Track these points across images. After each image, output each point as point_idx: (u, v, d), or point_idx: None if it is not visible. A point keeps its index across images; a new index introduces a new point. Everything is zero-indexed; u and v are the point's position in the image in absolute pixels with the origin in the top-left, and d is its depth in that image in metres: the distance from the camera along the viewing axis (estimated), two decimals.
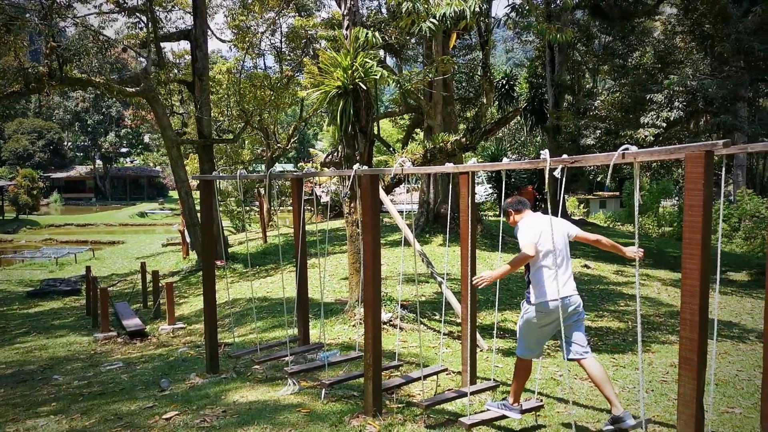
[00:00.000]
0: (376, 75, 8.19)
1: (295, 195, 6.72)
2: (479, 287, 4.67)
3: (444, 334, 8.31)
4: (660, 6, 21.97)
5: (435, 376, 5.82)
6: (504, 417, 4.70)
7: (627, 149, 3.29)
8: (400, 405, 5.34)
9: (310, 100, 8.86)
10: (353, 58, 8.17)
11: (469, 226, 5.26)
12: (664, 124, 16.35)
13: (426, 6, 7.18)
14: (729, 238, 26.01)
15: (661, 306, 11.22)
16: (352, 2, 8.87)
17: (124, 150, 69.95)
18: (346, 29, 8.92)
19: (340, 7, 9.11)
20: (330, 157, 8.79)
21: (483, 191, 28.16)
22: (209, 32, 19.13)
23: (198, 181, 6.75)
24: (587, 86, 28.08)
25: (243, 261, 18.22)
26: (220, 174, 8.03)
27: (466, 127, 8.51)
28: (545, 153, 3.63)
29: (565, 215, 28.08)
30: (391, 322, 8.43)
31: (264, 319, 10.29)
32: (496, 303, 6.87)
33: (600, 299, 11.57)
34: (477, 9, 6.83)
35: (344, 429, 4.76)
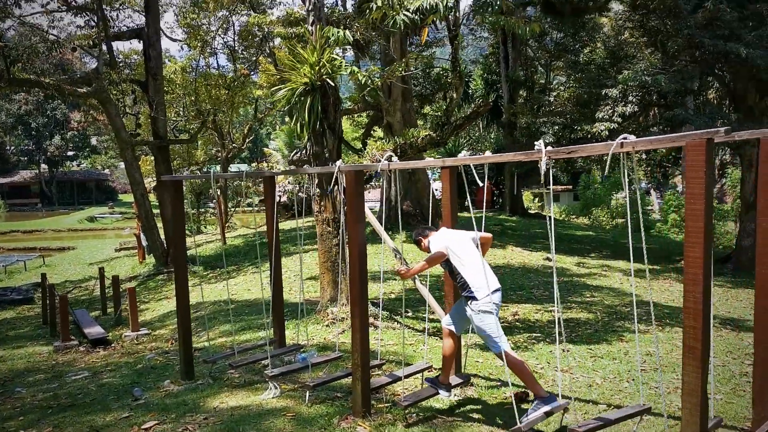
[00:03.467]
0: (345, 71, 8.09)
1: (268, 193, 6.56)
2: (404, 279, 5.30)
3: (419, 332, 8.26)
4: (610, 2, 22.36)
5: (420, 374, 5.76)
6: (549, 413, 4.51)
7: (625, 138, 3.28)
8: (387, 404, 5.26)
9: (276, 98, 8.68)
10: (320, 54, 8.04)
11: (451, 220, 5.23)
12: (620, 119, 16.63)
13: None
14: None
15: (625, 296, 11.40)
16: None
17: (70, 153, 67.82)
18: (311, 25, 8.78)
19: (304, 3, 8.95)
20: (299, 154, 8.64)
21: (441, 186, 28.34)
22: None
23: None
24: (541, 82, 28.45)
25: (202, 263, 17.85)
26: (192, 174, 7.79)
27: (436, 122, 8.47)
28: (540, 144, 3.59)
29: (522, 209, 28.41)
30: None
31: (232, 323, 10.06)
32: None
33: (566, 291, 11.71)
34: (450, 4, 6.78)
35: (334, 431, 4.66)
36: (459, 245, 5.00)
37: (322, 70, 8.02)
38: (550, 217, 4.23)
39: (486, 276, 4.84)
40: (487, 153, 4.34)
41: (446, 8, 6.85)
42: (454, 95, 8.52)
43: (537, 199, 40.10)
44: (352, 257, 4.69)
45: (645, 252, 4.02)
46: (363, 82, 8.07)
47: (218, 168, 29.45)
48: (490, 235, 5.22)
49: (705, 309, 3.08)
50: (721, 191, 33.33)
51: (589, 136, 17.37)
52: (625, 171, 3.95)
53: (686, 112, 16.54)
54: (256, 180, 33.67)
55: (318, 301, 9.32)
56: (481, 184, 4.12)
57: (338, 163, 4.81)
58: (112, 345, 9.90)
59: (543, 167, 3.58)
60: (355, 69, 7.87)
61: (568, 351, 7.15)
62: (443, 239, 5.07)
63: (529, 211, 29.84)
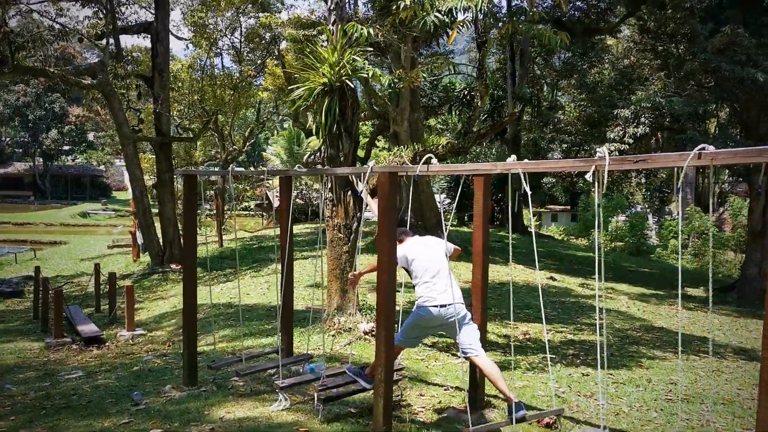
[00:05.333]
0: (366, 72, 7.82)
1: (284, 194, 6.27)
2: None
3: (428, 347, 7.95)
4: (621, 24, 22.26)
5: (434, 393, 5.47)
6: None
7: (703, 148, 3.00)
8: (405, 423, 4.95)
9: (293, 96, 8.43)
10: (340, 54, 7.78)
11: (482, 231, 4.95)
12: (631, 140, 16.43)
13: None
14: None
15: (634, 320, 11.15)
16: None
17: (66, 148, 67.15)
18: (333, 24, 8.52)
19: (326, 2, 8.69)
20: (312, 157, 8.35)
21: (442, 198, 28.08)
22: None
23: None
24: (546, 101, 28.32)
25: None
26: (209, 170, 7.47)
27: (459, 130, 8.23)
28: (602, 150, 3.31)
29: (523, 227, 28.17)
30: (374, 332, 8.01)
31: (232, 327, 9.72)
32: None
33: (573, 312, 11.42)
34: (485, 7, 6.53)
35: None
36: (419, 257, 5.08)
37: (342, 71, 7.75)
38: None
39: (431, 290, 4.93)
40: (525, 160, 4.07)
41: (480, 12, 6.60)
42: (479, 103, 8.26)
43: (535, 218, 39.95)
44: (380, 266, 4.39)
45: (681, 276, 3.77)
46: (386, 84, 7.80)
47: (218, 170, 29.05)
48: (459, 248, 5.41)
49: None
50: (720, 219, 33.21)
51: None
52: (711, 182, 3.67)
53: (701, 136, 16.37)
54: (255, 183, 33.43)
55: (322, 309, 9.00)
56: (530, 192, 3.82)
57: (370, 163, 4.53)
58: (106, 344, 9.54)
59: (604, 175, 3.28)
60: (377, 71, 7.59)
61: (587, 375, 6.86)
62: (404, 249, 5.20)
63: (529, 229, 29.60)
